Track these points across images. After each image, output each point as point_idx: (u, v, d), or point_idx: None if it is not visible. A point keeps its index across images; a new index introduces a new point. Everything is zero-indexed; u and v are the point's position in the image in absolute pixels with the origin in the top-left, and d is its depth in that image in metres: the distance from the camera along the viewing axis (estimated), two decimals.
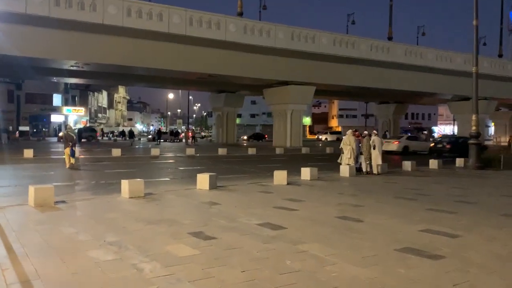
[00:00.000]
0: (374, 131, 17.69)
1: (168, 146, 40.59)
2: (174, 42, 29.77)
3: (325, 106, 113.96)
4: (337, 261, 5.10)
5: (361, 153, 16.81)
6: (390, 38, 39.46)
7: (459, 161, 20.94)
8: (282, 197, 10.33)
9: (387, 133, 54.24)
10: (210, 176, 11.79)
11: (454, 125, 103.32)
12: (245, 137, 66.99)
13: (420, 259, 5.21)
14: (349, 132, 16.98)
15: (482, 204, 9.41)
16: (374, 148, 16.50)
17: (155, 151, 27.28)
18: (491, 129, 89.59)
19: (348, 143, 16.69)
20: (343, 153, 17.10)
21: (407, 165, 18.51)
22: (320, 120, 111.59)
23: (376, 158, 16.53)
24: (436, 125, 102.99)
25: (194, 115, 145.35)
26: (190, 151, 28.60)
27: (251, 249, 5.66)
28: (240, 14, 33.37)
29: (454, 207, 8.86)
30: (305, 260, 5.16)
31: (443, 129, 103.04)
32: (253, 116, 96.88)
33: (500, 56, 49.34)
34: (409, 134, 50.08)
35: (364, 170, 16.73)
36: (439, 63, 40.52)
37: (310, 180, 14.09)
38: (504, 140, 63.32)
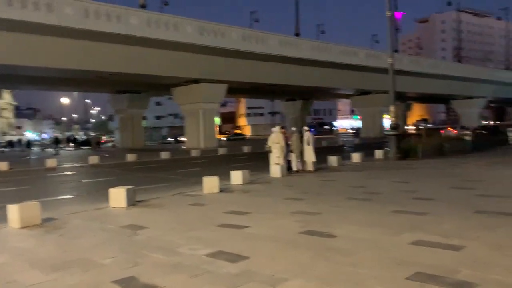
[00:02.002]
0: (305, 127, 16.69)
1: (66, 155, 36.16)
2: (67, 37, 26.16)
3: (231, 106, 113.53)
4: None
5: (290, 151, 15.66)
6: (297, 34, 39.49)
7: (378, 153, 20.90)
8: (221, 209, 8.57)
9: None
10: (127, 191, 9.60)
11: (351, 119, 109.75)
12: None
13: None
14: (277, 129, 15.73)
15: (442, 200, 8.60)
16: (309, 144, 15.47)
17: (51, 162, 23.64)
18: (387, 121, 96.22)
19: (276, 141, 15.41)
20: (271, 152, 15.81)
21: (333, 160, 17.83)
22: (228, 119, 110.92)
23: (310, 155, 15.50)
24: (336, 120, 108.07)
25: (93, 120, 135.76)
26: (94, 159, 25.34)
27: None
28: (143, 7, 30.58)
29: (419, 207, 7.88)
30: None
31: (342, 123, 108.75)
32: (158, 118, 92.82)
33: (396, 51, 52.48)
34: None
35: (295, 168, 15.62)
36: (343, 58, 41.56)
37: (243, 184, 12.51)
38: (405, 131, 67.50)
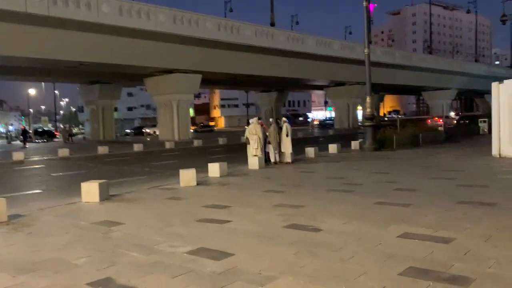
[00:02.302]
0: (284, 118, 16.48)
1: (35, 148, 34.86)
2: (35, 24, 25.00)
3: (205, 97, 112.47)
4: None
5: (268, 142, 15.45)
6: (272, 24, 39.15)
7: (355, 144, 20.95)
8: (200, 203, 8.28)
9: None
10: (101, 184, 9.17)
11: (325, 110, 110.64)
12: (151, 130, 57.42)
13: (445, 286, 3.73)
14: (254, 120, 15.46)
15: (423, 191, 8.56)
16: (287, 136, 15.28)
17: (18, 155, 22.67)
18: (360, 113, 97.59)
19: (254, 132, 15.14)
20: (248, 143, 15.56)
21: (310, 151, 17.74)
22: (202, 111, 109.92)
23: (288, 146, 15.33)
24: (310, 111, 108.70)
25: (62, 111, 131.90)
26: (64, 152, 24.45)
27: None
28: None
29: (402, 198, 7.81)
30: None
31: (316, 114, 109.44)
32: (130, 109, 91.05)
33: (370, 42, 52.87)
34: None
35: (272, 160, 15.42)
36: (318, 49, 41.51)
37: (221, 177, 12.22)
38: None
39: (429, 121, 34.99)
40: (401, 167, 12.95)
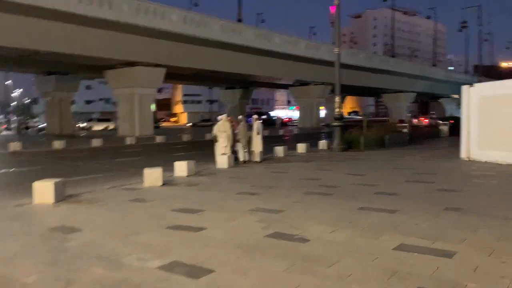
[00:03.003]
0: (255, 116, 15.90)
1: None
2: None
3: (167, 92, 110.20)
4: None
5: (237, 141, 14.82)
6: (240, 21, 38.47)
7: (322, 143, 20.70)
8: (168, 206, 7.54)
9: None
10: (56, 183, 8.24)
11: (288, 109, 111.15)
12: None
13: None
14: (224, 117, 14.78)
15: (405, 195, 8.21)
16: (258, 134, 14.72)
17: None
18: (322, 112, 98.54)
19: (223, 129, 14.47)
20: (217, 141, 14.87)
21: (279, 150, 17.27)
22: (163, 106, 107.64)
23: (258, 145, 14.77)
24: (273, 110, 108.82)
25: (16, 103, 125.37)
26: (15, 145, 22.77)
27: None
28: None
29: (385, 203, 7.41)
30: None
31: (279, 113, 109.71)
32: (89, 102, 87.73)
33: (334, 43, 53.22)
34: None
35: (241, 159, 14.82)
36: (285, 48, 41.23)
37: (188, 176, 11.47)
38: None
39: (415, 121, 35.69)
40: (375, 168, 12.67)
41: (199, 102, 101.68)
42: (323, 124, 54.63)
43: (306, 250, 4.89)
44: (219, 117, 15.02)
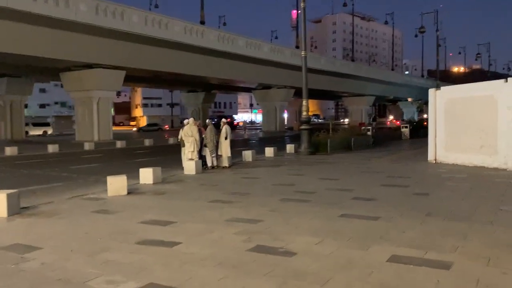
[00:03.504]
0: (224, 119, 15.41)
1: None
2: None
3: (125, 95, 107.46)
4: None
5: (205, 145, 14.31)
6: (202, 23, 37.79)
7: (289, 147, 20.52)
8: (136, 218, 6.98)
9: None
10: (9, 195, 7.48)
11: (251, 113, 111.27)
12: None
13: None
14: (191, 121, 14.22)
15: (383, 200, 8.03)
16: (226, 138, 14.26)
17: None
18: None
19: (190, 134, 13.92)
20: (183, 146, 14.31)
21: (247, 154, 16.91)
22: (122, 110, 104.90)
23: (227, 149, 14.31)
24: (236, 113, 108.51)
25: None
26: None
27: None
28: None
29: (365, 209, 7.17)
30: None
31: (242, 116, 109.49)
32: (43, 106, 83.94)
33: (297, 47, 53.54)
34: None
35: (209, 164, 14.32)
36: (249, 51, 40.95)
37: (154, 184, 10.87)
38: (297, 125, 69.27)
39: (388, 123, 36.21)
40: (346, 172, 12.52)
41: (159, 105, 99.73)
42: (286, 127, 54.86)
43: (295, 266, 4.51)
44: (186, 121, 14.46)
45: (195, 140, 13.96)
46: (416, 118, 78.82)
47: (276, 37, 77.91)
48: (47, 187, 11.36)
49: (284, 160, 16.74)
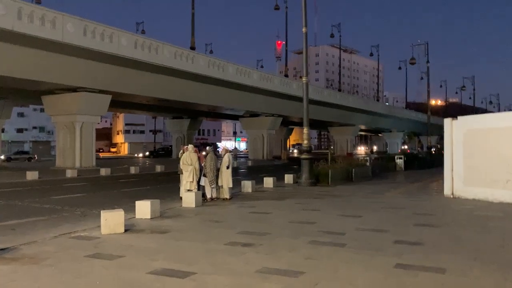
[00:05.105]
0: (225, 147, 14.24)
1: None
2: None
3: (106, 121, 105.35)
4: None
5: (204, 175, 13.06)
6: (193, 48, 37.02)
7: (288, 178, 19.40)
8: (144, 266, 5.66)
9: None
10: None
11: (234, 141, 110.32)
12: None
13: None
14: (190, 147, 13.03)
15: (429, 244, 6.91)
16: (228, 168, 13.06)
17: None
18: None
19: (189, 162, 12.69)
20: (181, 174, 13.04)
21: (247, 185, 15.70)
22: (102, 136, 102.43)
23: (228, 180, 13.08)
24: (220, 141, 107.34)
25: None
26: None
27: None
28: None
29: (420, 257, 6.04)
30: None
31: (225, 144, 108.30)
32: (20, 131, 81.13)
33: (286, 76, 53.27)
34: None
35: (209, 195, 13.04)
36: (238, 78, 40.23)
37: (152, 219, 9.53)
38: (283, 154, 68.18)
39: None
40: (365, 208, 11.37)
41: (142, 132, 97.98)
42: (274, 156, 53.87)
43: None
44: (185, 147, 13.26)
45: (195, 169, 12.74)
46: (398, 149, 79.32)
47: (262, 66, 78.02)
48: (28, 221, 9.86)
49: (287, 192, 15.56)
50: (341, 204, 12.02)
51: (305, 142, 18.81)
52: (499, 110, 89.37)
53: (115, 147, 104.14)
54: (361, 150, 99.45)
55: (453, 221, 9.20)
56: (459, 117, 13.34)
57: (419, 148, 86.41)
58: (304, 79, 19.02)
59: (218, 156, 15.29)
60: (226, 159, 13.25)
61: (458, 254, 6.19)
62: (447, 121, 13.45)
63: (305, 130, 18.78)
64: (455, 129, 13.11)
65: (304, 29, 18.59)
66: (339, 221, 9.13)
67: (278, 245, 6.92)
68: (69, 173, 23.61)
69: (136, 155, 73.93)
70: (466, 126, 12.86)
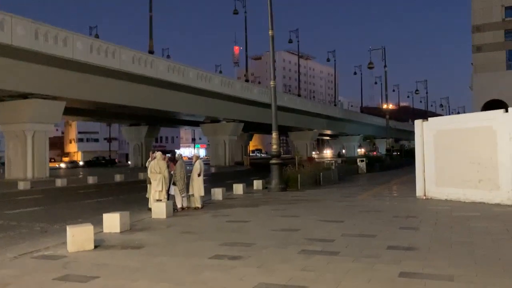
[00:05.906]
0: (196, 154, 13.60)
1: None
2: None
3: (57, 130, 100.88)
4: None
5: (173, 183, 12.39)
6: (151, 52, 35.94)
7: (257, 183, 18.99)
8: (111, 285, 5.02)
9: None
10: None
11: (193, 147, 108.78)
12: None
13: None
14: (158, 155, 12.31)
15: (423, 249, 6.70)
16: (199, 175, 12.45)
17: None
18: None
19: (158, 170, 11.99)
20: (149, 183, 12.31)
21: (217, 192, 15.15)
22: (54, 145, 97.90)
23: (200, 188, 12.48)
24: (179, 148, 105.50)
25: None
26: None
27: None
28: None
29: (421, 264, 5.76)
30: None
31: (184, 151, 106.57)
32: None
33: (247, 80, 52.98)
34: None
35: (179, 205, 12.37)
36: (199, 83, 39.47)
37: (122, 233, 8.81)
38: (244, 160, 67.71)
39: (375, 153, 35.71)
40: (342, 212, 11.13)
41: (96, 140, 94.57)
42: (236, 161, 53.41)
43: None
44: (153, 155, 12.53)
45: (164, 177, 12.05)
46: (356, 153, 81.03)
47: (221, 71, 77.56)
48: None
49: (258, 198, 15.14)
50: (318, 210, 11.72)
51: (274, 147, 18.50)
52: (449, 113, 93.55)
53: (67, 157, 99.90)
54: (327, 154, 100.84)
55: (436, 223, 9.09)
56: (429, 119, 13.47)
57: (374, 152, 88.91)
58: (272, 83, 18.77)
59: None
60: (198, 166, 12.66)
61: (456, 258, 5.98)
62: (417, 123, 13.54)
63: (274, 134, 18.49)
64: (426, 131, 13.20)
65: (270, 32, 18.33)
66: (322, 227, 8.78)
67: (268, 256, 6.46)
68: (22, 185, 22.03)
69: (58, 165, 63.66)
70: (436, 127, 12.97)
